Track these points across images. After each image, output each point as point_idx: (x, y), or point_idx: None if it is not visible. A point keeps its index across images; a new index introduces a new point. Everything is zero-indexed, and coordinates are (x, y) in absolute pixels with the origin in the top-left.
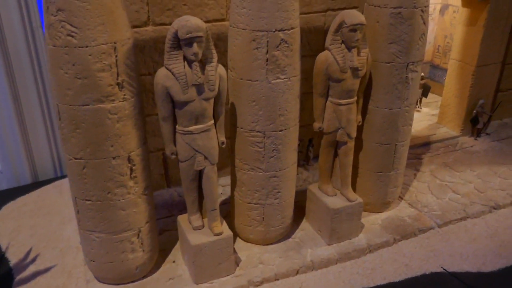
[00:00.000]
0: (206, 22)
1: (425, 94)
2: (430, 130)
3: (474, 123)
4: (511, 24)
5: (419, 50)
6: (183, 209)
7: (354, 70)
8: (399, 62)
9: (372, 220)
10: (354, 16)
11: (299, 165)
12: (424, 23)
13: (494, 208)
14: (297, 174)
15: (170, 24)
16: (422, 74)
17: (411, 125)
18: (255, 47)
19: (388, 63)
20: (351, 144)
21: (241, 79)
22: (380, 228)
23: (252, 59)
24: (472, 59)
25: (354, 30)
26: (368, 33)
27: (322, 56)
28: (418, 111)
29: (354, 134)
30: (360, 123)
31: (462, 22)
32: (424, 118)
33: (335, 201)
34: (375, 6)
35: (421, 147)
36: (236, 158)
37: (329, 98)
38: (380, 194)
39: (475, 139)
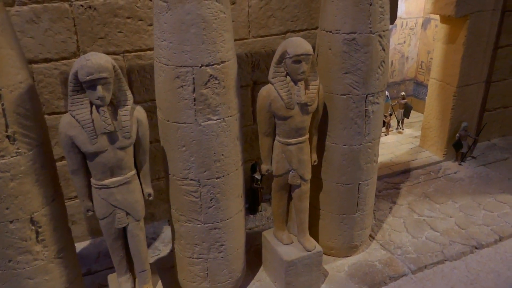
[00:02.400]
0: (146, 50)
1: (406, 114)
2: (411, 155)
3: (457, 148)
4: (493, 42)
5: (379, 80)
6: None
7: (303, 106)
8: (357, 94)
9: (338, 267)
10: (298, 45)
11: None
12: (384, 49)
13: (476, 248)
14: (260, 211)
15: (104, 53)
16: (403, 93)
17: (376, 161)
18: (180, 85)
19: (344, 95)
20: (306, 187)
21: (168, 121)
22: (346, 277)
23: (177, 99)
24: (452, 79)
25: (299, 62)
26: (321, 62)
27: (264, 91)
28: (400, 132)
29: (308, 176)
30: (316, 163)
31: (441, 40)
32: (406, 141)
33: (290, 251)
34: (326, 32)
35: (400, 175)
36: (172, 208)
37: (277, 137)
38: (345, 237)
39: (460, 164)
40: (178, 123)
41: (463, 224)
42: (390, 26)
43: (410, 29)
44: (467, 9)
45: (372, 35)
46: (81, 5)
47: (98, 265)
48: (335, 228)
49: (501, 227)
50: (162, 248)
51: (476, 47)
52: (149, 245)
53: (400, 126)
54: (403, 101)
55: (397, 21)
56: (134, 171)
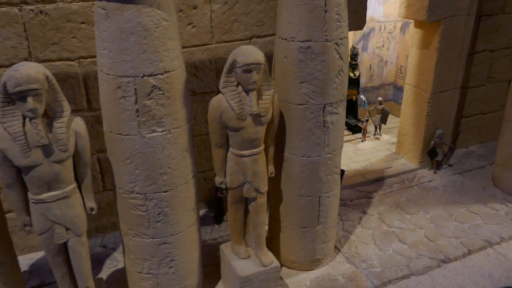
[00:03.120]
0: None
1: (383, 120)
2: (386, 162)
3: (432, 156)
4: (468, 47)
5: (337, 90)
6: None
7: (256, 117)
8: (314, 103)
9: (300, 281)
10: (248, 54)
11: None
12: (341, 58)
13: (444, 262)
14: (225, 220)
15: (56, 60)
16: (380, 98)
17: (337, 173)
18: (122, 96)
19: (301, 105)
20: (262, 200)
21: (112, 132)
22: None
23: (120, 110)
24: (427, 85)
25: (249, 71)
26: (277, 71)
27: (215, 101)
28: (377, 138)
29: (263, 189)
30: (273, 175)
31: (415, 45)
32: (383, 148)
33: (246, 266)
34: (282, 39)
35: (374, 183)
36: (120, 222)
37: (230, 149)
38: (307, 251)
39: (435, 172)
40: (122, 134)
41: (432, 236)
42: (367, 30)
43: (388, 32)
44: (440, 14)
45: (328, 43)
46: (32, 10)
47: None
48: (296, 241)
49: (471, 239)
50: (120, 260)
51: (450, 53)
52: (107, 256)
53: (378, 132)
54: (380, 107)
55: (375, 25)
56: (74, 185)
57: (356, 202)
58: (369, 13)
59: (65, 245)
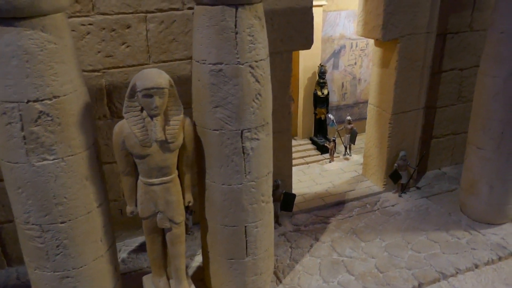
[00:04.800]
0: None
1: (352, 140)
2: (350, 184)
3: (395, 179)
4: (429, 66)
5: (255, 114)
6: None
7: (163, 143)
8: (230, 129)
9: None
10: (148, 78)
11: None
12: (258, 81)
13: None
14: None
15: None
16: (349, 117)
17: (264, 201)
18: (8, 122)
19: (217, 130)
20: (178, 230)
21: (2, 160)
22: None
23: (7, 137)
24: (387, 106)
25: (149, 96)
26: (193, 94)
27: (117, 127)
28: (347, 159)
29: (178, 219)
30: (191, 203)
31: (376, 64)
32: (350, 169)
33: None
34: (196, 62)
35: (334, 207)
36: (23, 254)
37: (139, 177)
38: (237, 283)
39: (400, 196)
40: (11, 162)
41: (383, 267)
42: (337, 48)
43: (361, 50)
44: (396, 33)
45: (241, 66)
46: None
47: None
48: (225, 273)
49: (424, 271)
50: None
51: (410, 72)
52: None
53: (348, 152)
54: (349, 126)
55: (346, 42)
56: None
57: (311, 227)
58: (339, 30)
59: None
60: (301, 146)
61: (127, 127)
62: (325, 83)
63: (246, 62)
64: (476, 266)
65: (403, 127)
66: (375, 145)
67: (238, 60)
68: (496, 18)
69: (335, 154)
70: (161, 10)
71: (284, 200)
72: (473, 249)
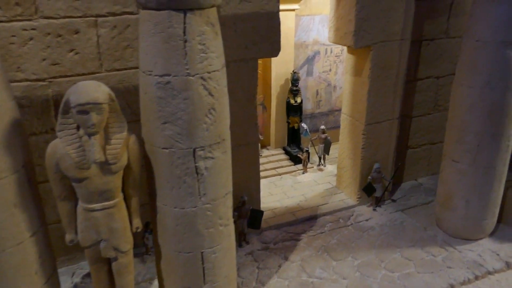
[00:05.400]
0: None
1: (326, 150)
2: (323, 197)
3: (369, 192)
4: (404, 74)
5: (209, 131)
6: None
7: (103, 165)
8: (181, 147)
9: None
10: (83, 92)
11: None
12: (211, 94)
13: None
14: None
15: None
16: (323, 127)
17: (223, 225)
18: None
19: (166, 148)
20: (125, 259)
21: None
22: None
23: None
24: (361, 116)
25: (85, 112)
26: (141, 109)
27: (50, 147)
28: (321, 169)
29: (125, 247)
30: (140, 229)
31: (348, 72)
32: (324, 180)
33: None
34: (142, 72)
35: (305, 222)
36: None
37: (79, 202)
38: None
39: (374, 209)
40: None
41: None
42: (311, 54)
43: (336, 56)
44: (367, 40)
45: (191, 77)
46: None
47: None
48: None
49: None
50: None
51: (384, 81)
52: None
53: (322, 162)
54: (323, 136)
55: (320, 48)
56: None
57: (280, 245)
58: (313, 35)
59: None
60: (273, 156)
61: (61, 147)
62: (298, 90)
63: (197, 74)
64: (452, 287)
65: (377, 138)
66: (348, 157)
67: (188, 71)
68: (471, 26)
69: (309, 165)
70: (113, 14)
71: (251, 217)
72: (449, 267)
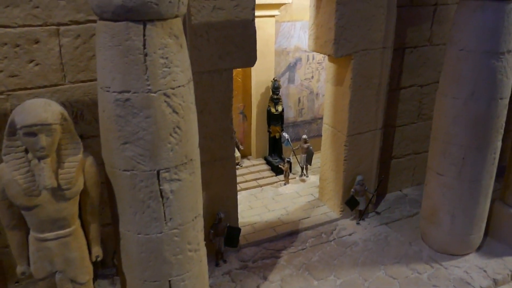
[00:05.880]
0: None
1: (309, 160)
2: (305, 210)
3: (352, 205)
4: (386, 83)
5: (174, 151)
6: None
7: (56, 191)
8: (143, 169)
9: None
10: (30, 112)
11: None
12: (176, 111)
13: None
14: None
15: None
16: (305, 136)
17: (192, 250)
18: None
19: (128, 171)
20: None
21: None
22: None
23: None
24: (342, 126)
25: (33, 134)
26: (100, 127)
27: None
28: (303, 180)
29: (82, 278)
30: (100, 258)
31: (329, 81)
32: (306, 192)
33: None
34: (100, 88)
35: (286, 238)
36: None
37: (31, 231)
38: None
39: (357, 223)
40: None
41: None
42: (292, 60)
43: (318, 63)
44: (348, 48)
45: (153, 94)
46: None
47: None
48: None
49: None
50: None
51: (366, 91)
52: None
53: (305, 173)
54: (305, 145)
55: (302, 55)
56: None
57: (260, 263)
58: (294, 42)
59: None
60: (254, 167)
61: (7, 173)
62: (279, 99)
63: (160, 90)
64: None
65: (360, 149)
66: (330, 168)
67: (149, 87)
68: (454, 34)
69: (291, 175)
70: (76, 22)
71: (228, 234)
72: (434, 286)
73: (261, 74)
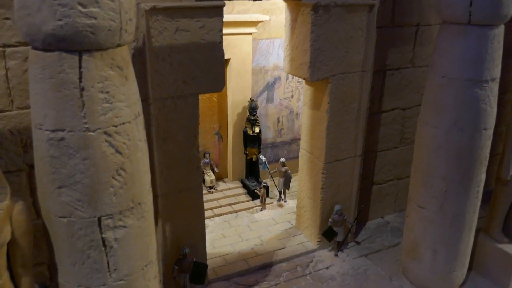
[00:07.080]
0: None
1: (287, 185)
2: (280, 240)
3: (329, 237)
4: (367, 107)
5: (118, 195)
6: None
7: None
8: (82, 216)
9: None
10: None
11: None
12: (119, 151)
13: None
14: None
15: None
16: (283, 159)
17: None
18: None
19: (64, 217)
20: None
21: None
22: None
23: None
24: (320, 153)
25: None
26: (35, 167)
27: None
28: (281, 205)
29: None
30: None
31: (306, 104)
32: (283, 218)
33: None
34: (34, 126)
35: (259, 271)
36: None
37: None
38: None
39: (336, 255)
40: None
41: None
42: (271, 79)
43: (298, 82)
44: (325, 72)
45: (91, 133)
46: None
47: None
48: None
49: None
50: None
51: (344, 115)
52: None
53: (283, 197)
54: (283, 169)
55: (282, 73)
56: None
57: None
58: (273, 60)
59: None
60: (230, 191)
61: None
62: (256, 120)
63: (99, 128)
64: None
65: (338, 177)
66: (308, 196)
67: (87, 126)
68: (436, 60)
69: (268, 200)
70: (25, 44)
71: (194, 271)
72: None
73: (237, 94)
